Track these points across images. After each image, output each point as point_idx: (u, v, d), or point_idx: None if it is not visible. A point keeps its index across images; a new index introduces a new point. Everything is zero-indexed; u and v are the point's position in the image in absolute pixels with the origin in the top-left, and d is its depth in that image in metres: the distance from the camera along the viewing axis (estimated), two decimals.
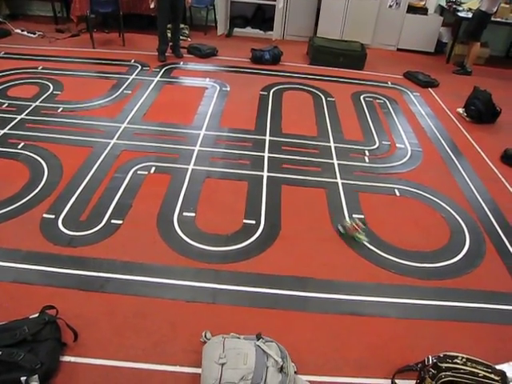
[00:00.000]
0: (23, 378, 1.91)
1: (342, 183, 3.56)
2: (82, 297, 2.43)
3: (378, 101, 5.21)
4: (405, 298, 2.60)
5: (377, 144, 4.22)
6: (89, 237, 2.82)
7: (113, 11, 5.97)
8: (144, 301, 2.43)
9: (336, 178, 3.62)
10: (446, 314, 2.53)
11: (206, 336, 2.18)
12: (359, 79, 5.81)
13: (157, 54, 5.80)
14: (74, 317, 2.26)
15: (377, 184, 3.61)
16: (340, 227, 3.06)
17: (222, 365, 1.94)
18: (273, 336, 2.14)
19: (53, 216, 2.96)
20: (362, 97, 5.26)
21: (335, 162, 3.86)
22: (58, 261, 2.63)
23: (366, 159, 3.95)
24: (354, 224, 3.00)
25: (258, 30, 7.21)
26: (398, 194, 3.52)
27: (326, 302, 2.53)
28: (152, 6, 5.58)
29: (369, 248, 2.94)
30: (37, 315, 2.17)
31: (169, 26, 5.79)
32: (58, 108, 4.35)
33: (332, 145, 4.12)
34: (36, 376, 1.93)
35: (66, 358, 2.10)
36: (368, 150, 4.09)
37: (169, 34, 5.89)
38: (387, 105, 5.13)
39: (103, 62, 5.61)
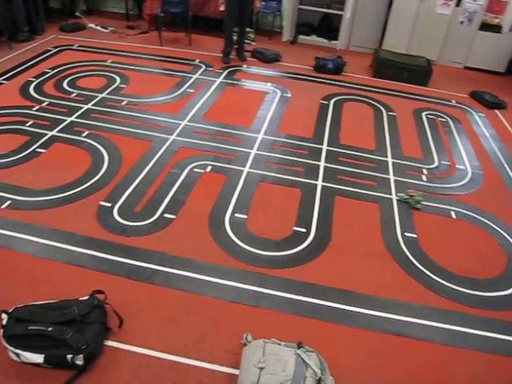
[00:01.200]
0: (69, 356, 2.00)
1: (397, 200, 3.49)
2: (130, 285, 2.50)
3: (440, 119, 5.06)
4: (452, 325, 2.51)
5: (436, 163, 4.11)
6: (142, 228, 2.90)
7: (182, 12, 6.12)
8: (189, 296, 2.47)
9: (391, 194, 3.55)
10: (494, 347, 2.42)
11: (246, 338, 2.18)
12: (422, 95, 5.67)
13: (221, 55, 5.90)
14: (120, 304, 2.33)
15: (433, 204, 3.51)
16: (400, 196, 3.50)
17: (261, 369, 1.94)
18: (313, 346, 2.12)
19: (109, 204, 3.07)
20: (424, 114, 5.13)
21: (391, 177, 3.78)
22: (110, 248, 2.72)
23: (424, 177, 3.85)
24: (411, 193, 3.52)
25: (322, 39, 7.18)
26: (454, 216, 3.41)
27: (369, 318, 2.48)
28: (222, 8, 5.68)
29: (418, 268, 2.86)
30: (86, 298, 2.25)
31: (235, 29, 5.88)
32: (123, 101, 4.50)
33: (389, 160, 4.05)
34: (81, 356, 2.00)
35: (110, 343, 2.17)
36: (426, 169, 3.98)
37: (234, 37, 5.97)
38: (450, 124, 4.98)
39: (169, 59, 5.76)
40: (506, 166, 4.23)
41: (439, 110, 5.28)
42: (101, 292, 2.31)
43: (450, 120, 5.07)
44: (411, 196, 3.51)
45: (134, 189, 3.25)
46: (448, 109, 5.37)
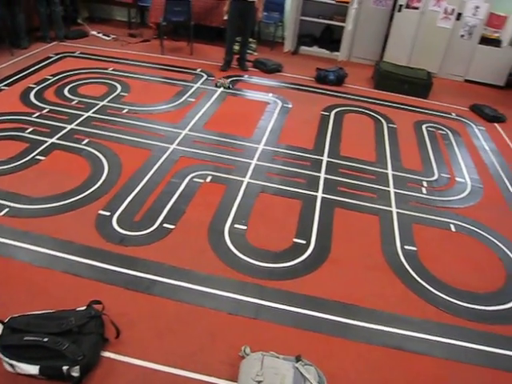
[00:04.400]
0: (65, 368, 1.97)
1: (397, 212, 3.48)
2: (128, 296, 2.48)
3: (440, 131, 5.07)
4: (452, 339, 2.49)
5: (436, 176, 4.10)
6: (140, 238, 2.89)
7: (184, 21, 6.16)
8: (187, 307, 2.45)
9: (391, 207, 3.55)
10: (495, 363, 2.40)
11: (245, 351, 2.16)
12: (423, 108, 5.69)
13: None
14: (118, 314, 2.31)
15: (432, 217, 3.50)
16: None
17: (259, 382, 1.93)
18: (312, 360, 2.11)
19: (108, 213, 3.05)
20: (424, 126, 5.14)
21: (391, 189, 3.78)
22: (108, 257, 2.70)
23: (424, 190, 3.85)
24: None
25: (324, 50, 7.20)
26: (453, 229, 3.40)
27: (369, 331, 2.46)
28: (225, 17, 5.71)
29: (418, 281, 2.85)
30: (84, 308, 2.24)
31: (238, 38, 5.90)
32: (124, 109, 4.50)
33: (390, 172, 4.05)
34: (77, 367, 1.98)
35: (107, 354, 2.15)
36: (426, 181, 3.98)
37: (236, 47, 6.01)
38: (449, 137, 4.99)
39: (170, 68, 5.78)
40: (505, 180, 4.23)
41: (439, 123, 5.29)
42: (98, 302, 2.29)
43: (449, 133, 5.08)
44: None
45: (133, 198, 3.23)
46: (448, 121, 5.39)
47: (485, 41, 6.80)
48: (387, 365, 2.30)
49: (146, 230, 2.95)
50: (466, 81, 7.12)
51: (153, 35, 6.77)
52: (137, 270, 2.64)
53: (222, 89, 5.27)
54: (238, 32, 5.79)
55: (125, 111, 4.46)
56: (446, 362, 2.36)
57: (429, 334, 2.50)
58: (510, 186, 4.13)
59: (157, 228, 2.98)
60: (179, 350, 2.22)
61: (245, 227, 3.09)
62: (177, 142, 4.01)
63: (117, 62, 5.71)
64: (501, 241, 3.34)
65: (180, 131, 4.20)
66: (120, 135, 4.00)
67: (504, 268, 3.09)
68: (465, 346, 2.46)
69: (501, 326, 2.62)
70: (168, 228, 2.99)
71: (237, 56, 6.04)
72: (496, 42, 6.85)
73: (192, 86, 5.27)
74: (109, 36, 6.70)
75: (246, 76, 5.86)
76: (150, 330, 2.30)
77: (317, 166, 3.97)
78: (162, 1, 6.07)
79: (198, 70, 5.83)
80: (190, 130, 4.24)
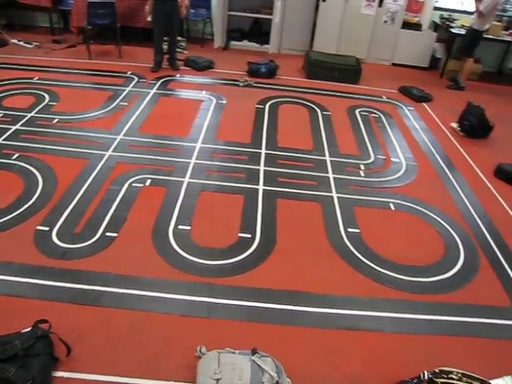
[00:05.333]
0: None
1: (338, 197, 3.57)
2: (76, 310, 2.40)
3: (373, 115, 5.24)
4: (400, 313, 2.60)
5: (372, 158, 4.24)
6: (83, 249, 2.80)
7: (110, 23, 6.00)
8: (138, 315, 2.40)
9: (331, 192, 3.63)
10: (441, 329, 2.53)
11: (200, 351, 2.16)
12: (354, 93, 5.85)
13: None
14: (67, 331, 2.23)
15: (372, 198, 3.62)
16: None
17: (217, 380, 1.93)
18: (268, 351, 2.13)
19: (47, 228, 2.94)
20: (357, 111, 5.29)
21: (331, 175, 3.87)
22: (51, 274, 2.60)
23: (362, 173, 3.96)
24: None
25: (254, 44, 7.25)
26: (393, 208, 3.53)
27: (321, 316, 2.52)
28: (149, 18, 5.62)
29: (363, 262, 2.94)
30: (29, 329, 2.15)
31: (166, 38, 5.83)
32: (54, 119, 4.34)
33: (327, 159, 4.14)
34: None
35: (59, 374, 2.07)
36: (363, 164, 4.11)
37: (165, 47, 5.93)
38: (382, 119, 5.17)
39: (100, 73, 5.62)
40: (437, 156, 4.43)
41: (371, 107, 5.47)
42: (44, 321, 2.21)
43: (382, 115, 5.25)
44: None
45: (72, 210, 3.13)
46: (379, 104, 5.57)
47: (407, 25, 7.10)
48: (342, 346, 2.36)
49: (88, 241, 2.87)
50: (393, 64, 7.39)
51: (78, 40, 6.54)
52: (82, 283, 2.56)
53: (243, 85, 5.54)
54: (165, 31, 5.71)
55: (55, 121, 4.30)
56: (396, 335, 2.46)
57: (378, 311, 2.59)
58: (441, 162, 4.33)
59: (99, 238, 2.90)
60: (134, 358, 2.18)
61: (189, 227, 3.06)
62: (112, 148, 3.92)
63: (42, 71, 5.48)
64: (437, 214, 3.50)
65: (115, 137, 4.11)
66: (52, 146, 3.85)
67: (442, 240, 3.25)
68: (412, 318, 2.57)
69: (443, 295, 2.77)
70: (111, 236, 2.92)
71: (167, 56, 5.96)
72: (417, 26, 7.17)
73: (124, 90, 5.16)
74: (31, 43, 6.42)
75: (178, 75, 5.80)
76: (103, 343, 2.24)
77: (255, 159, 4.00)
78: (84, 4, 5.89)
79: (129, 72, 5.72)
80: (124, 135, 4.15)
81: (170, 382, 2.09)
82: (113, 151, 3.87)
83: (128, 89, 5.21)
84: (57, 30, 7.04)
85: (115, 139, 4.07)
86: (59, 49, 6.38)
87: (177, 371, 2.13)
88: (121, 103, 4.82)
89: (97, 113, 4.55)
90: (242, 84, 5.47)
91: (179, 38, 6.44)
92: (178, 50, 6.23)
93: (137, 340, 2.27)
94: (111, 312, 2.41)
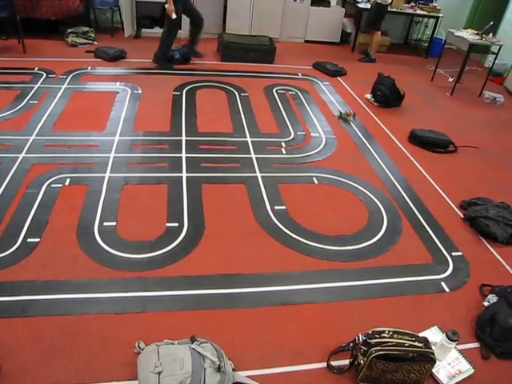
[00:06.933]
0: None
1: (262, 176, 3.62)
2: (2, 324, 2.28)
3: (290, 92, 5.33)
4: (331, 282, 2.70)
5: (292, 135, 4.33)
6: (4, 259, 2.65)
7: (9, 16, 5.61)
8: (71, 319, 2.33)
9: (255, 172, 3.67)
10: (372, 292, 2.67)
11: (139, 346, 2.14)
12: (270, 73, 5.91)
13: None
14: None
15: (295, 174, 3.71)
16: (337, 112, 4.66)
17: (159, 373, 1.92)
18: (207, 337, 2.15)
19: None
20: (274, 90, 5.35)
21: (253, 156, 3.91)
22: None
23: (283, 151, 4.04)
24: (347, 112, 4.61)
25: None
26: (316, 181, 3.64)
27: (256, 295, 2.56)
28: (173, 16, 5.41)
29: (292, 237, 3.01)
30: None
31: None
32: None
33: (249, 139, 4.17)
34: None
35: None
36: (284, 142, 4.18)
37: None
38: (299, 96, 5.27)
39: (3, 71, 5.27)
40: (354, 127, 4.60)
41: (288, 84, 5.56)
42: None
43: (299, 92, 5.36)
44: (347, 115, 4.72)
45: None
46: (296, 82, 5.68)
47: (316, 2, 7.23)
48: (278, 321, 2.41)
49: (8, 249, 2.72)
50: (306, 41, 7.54)
51: None
52: (6, 295, 2.43)
53: (342, 120, 4.78)
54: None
55: None
56: (330, 304, 2.55)
57: (311, 284, 2.68)
58: (359, 132, 4.50)
59: (20, 245, 2.76)
60: (71, 364, 2.11)
61: (114, 223, 2.99)
62: (25, 149, 3.71)
63: None
64: (359, 183, 3.66)
65: (27, 138, 3.89)
66: None
67: (365, 207, 3.40)
68: (344, 286, 2.69)
69: (371, 260, 2.91)
70: (33, 242, 2.79)
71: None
72: (326, 3, 7.32)
73: (32, 87, 4.88)
74: None
75: (90, 68, 5.57)
76: (35, 354, 2.15)
77: (176, 146, 3.96)
78: None
79: (36, 68, 5.40)
80: (37, 135, 3.95)
81: (112, 382, 2.05)
82: (26, 153, 3.67)
83: (37, 86, 4.94)
84: None
85: (28, 140, 3.85)
86: None
87: (117, 371, 2.09)
88: (30, 101, 4.56)
89: (4, 114, 4.27)
90: (343, 116, 4.83)
91: (87, 29, 6.17)
92: (86, 41, 5.97)
93: (72, 345, 2.20)
94: (41, 321, 2.31)
